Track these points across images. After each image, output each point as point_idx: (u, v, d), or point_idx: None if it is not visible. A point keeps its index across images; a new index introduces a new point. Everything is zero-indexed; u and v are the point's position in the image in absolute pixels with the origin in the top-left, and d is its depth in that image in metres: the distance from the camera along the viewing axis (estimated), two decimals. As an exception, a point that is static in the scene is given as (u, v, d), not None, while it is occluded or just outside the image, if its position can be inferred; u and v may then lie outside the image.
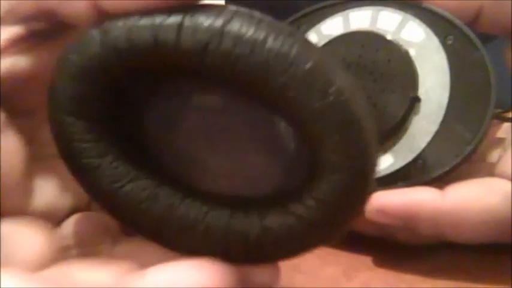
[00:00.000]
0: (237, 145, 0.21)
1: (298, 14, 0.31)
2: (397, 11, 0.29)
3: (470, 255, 0.28)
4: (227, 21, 0.17)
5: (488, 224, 0.25)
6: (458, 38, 0.28)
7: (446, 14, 0.28)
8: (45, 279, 0.17)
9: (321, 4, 0.31)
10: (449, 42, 0.28)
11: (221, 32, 0.17)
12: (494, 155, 0.29)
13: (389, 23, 0.29)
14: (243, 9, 0.18)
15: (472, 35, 0.28)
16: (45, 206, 0.22)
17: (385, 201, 0.26)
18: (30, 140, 0.22)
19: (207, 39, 0.17)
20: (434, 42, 0.28)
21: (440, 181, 0.27)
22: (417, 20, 0.29)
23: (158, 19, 0.18)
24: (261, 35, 0.17)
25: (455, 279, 0.26)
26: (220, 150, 0.21)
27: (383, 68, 0.28)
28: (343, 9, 0.30)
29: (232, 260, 0.20)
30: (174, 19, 0.18)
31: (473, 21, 0.28)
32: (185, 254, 0.20)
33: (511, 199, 0.24)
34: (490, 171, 0.27)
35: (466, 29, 0.28)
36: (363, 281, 0.26)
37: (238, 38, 0.17)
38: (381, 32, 0.29)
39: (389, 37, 0.29)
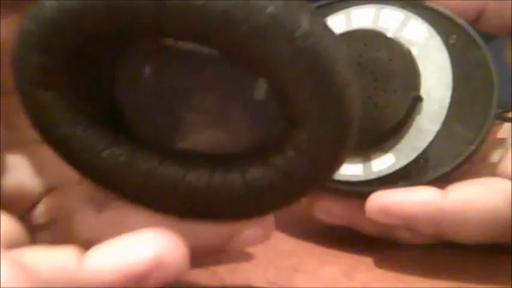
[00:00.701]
0: (214, 100, 0.21)
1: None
2: (400, 9, 0.29)
3: (470, 255, 0.28)
4: None
5: (489, 224, 0.25)
6: (461, 37, 0.28)
7: (449, 13, 0.28)
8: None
9: (323, 2, 0.31)
10: (452, 41, 0.28)
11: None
12: (495, 155, 0.29)
13: (392, 21, 0.29)
14: None
15: (475, 34, 0.27)
16: (16, 187, 0.22)
17: (385, 200, 0.26)
18: (8, 121, 0.21)
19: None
20: (437, 41, 0.28)
21: (442, 181, 0.27)
22: (419, 19, 0.28)
23: None
24: None
25: (455, 279, 0.26)
26: (196, 107, 0.21)
27: (384, 67, 0.28)
28: (345, 7, 0.30)
29: (218, 218, 0.20)
30: None
31: (476, 20, 0.28)
32: (170, 215, 0.20)
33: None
34: (491, 171, 0.27)
35: (469, 28, 0.28)
36: (363, 281, 0.26)
37: None
38: (382, 30, 0.29)
39: (391, 36, 0.29)
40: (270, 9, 0.16)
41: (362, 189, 0.28)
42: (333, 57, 0.17)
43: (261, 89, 0.20)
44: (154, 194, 0.20)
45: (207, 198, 0.20)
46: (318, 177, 0.19)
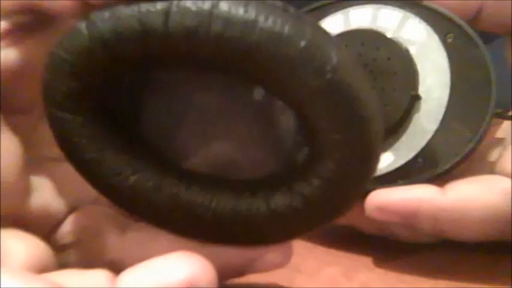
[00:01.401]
0: (239, 128, 0.21)
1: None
2: (398, 9, 0.29)
3: (470, 255, 0.28)
4: (215, 4, 0.17)
5: (489, 222, 0.25)
6: (459, 36, 0.28)
7: (447, 12, 0.28)
8: (43, 281, 0.17)
9: (321, 2, 0.31)
10: (450, 40, 0.28)
11: (210, 16, 0.17)
12: (494, 154, 0.29)
13: (390, 21, 0.29)
14: None
15: (473, 33, 0.27)
16: (41, 207, 0.22)
17: (385, 198, 0.26)
18: (27, 140, 0.22)
19: (196, 24, 0.17)
20: (435, 40, 0.28)
21: (441, 179, 0.27)
22: (417, 18, 0.29)
23: (144, 7, 0.17)
24: (251, 16, 0.17)
25: (456, 279, 0.26)
26: (222, 135, 0.21)
27: (383, 66, 0.28)
28: (344, 7, 0.30)
29: (241, 243, 0.20)
30: (160, 5, 0.17)
31: (474, 19, 0.28)
32: (195, 239, 0.20)
33: (511, 197, 0.24)
34: (490, 169, 0.27)
35: (467, 27, 0.28)
36: (363, 281, 0.26)
37: (227, 21, 0.17)
38: (381, 30, 0.29)
39: (389, 35, 0.29)
40: (302, 43, 0.17)
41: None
42: (360, 90, 0.17)
43: (285, 119, 0.21)
44: (180, 219, 0.21)
45: (232, 224, 0.20)
46: (342, 206, 0.20)
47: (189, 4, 0.17)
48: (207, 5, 0.17)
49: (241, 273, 0.22)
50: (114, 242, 0.22)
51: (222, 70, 0.18)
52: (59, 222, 0.23)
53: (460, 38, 0.28)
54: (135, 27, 0.17)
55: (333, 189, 0.19)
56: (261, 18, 0.17)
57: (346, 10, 0.30)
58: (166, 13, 0.17)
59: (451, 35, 0.28)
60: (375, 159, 0.19)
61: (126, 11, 0.17)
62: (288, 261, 0.22)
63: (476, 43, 0.27)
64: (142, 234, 0.22)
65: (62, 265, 0.20)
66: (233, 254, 0.22)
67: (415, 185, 0.26)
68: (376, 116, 0.18)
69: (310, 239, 0.30)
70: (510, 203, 0.24)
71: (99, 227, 0.23)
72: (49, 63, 0.19)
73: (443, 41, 0.28)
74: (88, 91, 0.19)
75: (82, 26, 0.18)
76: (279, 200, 0.20)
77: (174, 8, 0.17)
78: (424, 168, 0.27)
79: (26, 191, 0.21)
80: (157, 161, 0.21)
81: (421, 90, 0.28)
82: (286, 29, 0.17)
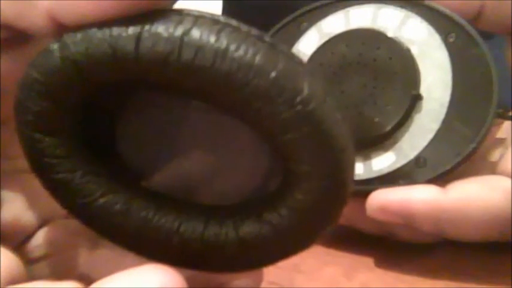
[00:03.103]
0: (212, 153, 0.21)
1: (299, 12, 0.31)
2: (399, 8, 0.29)
3: (470, 255, 0.28)
4: (187, 31, 0.17)
5: (489, 222, 0.25)
6: (460, 35, 0.28)
7: (448, 11, 0.28)
8: None
9: (322, 1, 0.31)
10: (451, 39, 0.28)
11: (181, 43, 0.16)
12: (495, 155, 0.29)
13: (391, 20, 0.29)
14: (206, 14, 0.17)
15: (474, 33, 0.27)
16: (12, 219, 0.22)
17: (385, 198, 0.26)
18: (1, 151, 0.21)
19: (167, 51, 0.16)
20: (436, 39, 0.28)
21: (442, 179, 0.27)
22: (419, 18, 0.29)
23: (116, 30, 0.17)
24: (222, 44, 0.16)
25: (455, 279, 0.26)
26: (195, 157, 0.21)
27: (384, 66, 0.28)
28: (344, 7, 0.30)
29: (211, 269, 0.20)
30: (132, 30, 0.17)
31: (475, 19, 0.28)
32: (163, 263, 0.20)
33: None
34: (491, 170, 0.27)
35: (468, 27, 0.28)
36: (363, 281, 0.26)
37: (198, 48, 0.16)
38: (382, 29, 0.29)
39: (390, 34, 0.29)
40: (273, 73, 0.16)
41: (362, 188, 0.27)
42: (331, 122, 0.17)
43: (256, 148, 0.20)
44: (147, 242, 0.20)
45: (200, 250, 0.20)
46: (312, 236, 0.20)
47: (160, 30, 0.17)
48: (178, 32, 0.17)
49: None
50: (85, 257, 0.22)
51: (194, 97, 0.18)
52: (30, 234, 0.22)
53: (462, 38, 0.28)
54: (107, 51, 0.17)
55: (302, 219, 0.19)
56: (232, 47, 0.16)
57: (346, 9, 0.30)
58: (138, 38, 0.17)
59: (453, 34, 0.28)
60: (346, 191, 0.18)
61: (98, 34, 0.17)
62: (259, 285, 0.22)
63: (478, 43, 0.27)
64: (112, 250, 0.22)
65: (32, 277, 0.20)
66: (202, 279, 0.21)
67: (416, 185, 0.26)
68: (347, 148, 0.18)
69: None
70: (511, 203, 0.24)
71: (70, 241, 0.22)
72: (22, 82, 0.18)
73: (445, 40, 0.28)
74: (60, 112, 0.19)
75: (54, 46, 0.18)
76: (248, 228, 0.19)
77: (145, 34, 0.17)
78: (426, 168, 0.27)
79: None
80: (129, 182, 0.21)
81: (423, 90, 0.28)
82: (257, 59, 0.16)
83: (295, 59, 0.17)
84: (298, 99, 0.17)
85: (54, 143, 0.19)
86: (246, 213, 0.20)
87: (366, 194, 0.27)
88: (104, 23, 0.17)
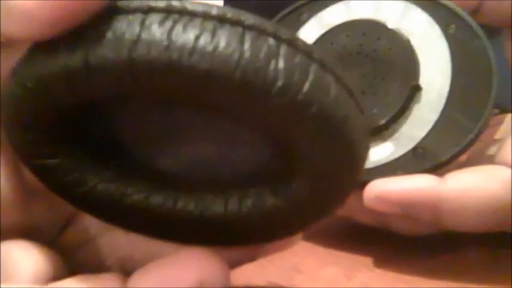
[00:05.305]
0: (215, 144, 0.20)
1: (300, 2, 0.31)
2: (399, -1, 0.29)
3: (470, 254, 0.28)
4: (132, 47, 0.15)
5: (488, 211, 0.24)
6: (460, 26, 0.28)
7: (448, 3, 0.28)
8: None
9: None
10: (451, 31, 0.28)
11: (131, 64, 0.15)
12: (493, 149, 0.29)
13: (391, 11, 0.29)
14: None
15: (474, 24, 0.27)
16: (44, 212, 0.22)
17: (384, 188, 0.26)
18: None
19: (117, 74, 0.15)
20: (436, 30, 0.28)
21: (441, 170, 0.27)
22: (419, 9, 0.29)
23: (63, 59, 0.16)
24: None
25: (455, 279, 0.26)
26: (198, 137, 0.20)
27: (384, 57, 0.28)
28: None
29: (208, 243, 0.20)
30: (79, 56, 0.15)
31: (475, 12, 0.28)
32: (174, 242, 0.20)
33: (511, 186, 0.24)
34: (489, 162, 0.27)
35: (468, 18, 0.28)
36: (363, 281, 0.26)
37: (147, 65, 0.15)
38: (382, 20, 0.29)
39: (390, 26, 0.29)
40: (279, 82, 0.15)
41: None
42: (343, 116, 0.16)
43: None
44: (167, 226, 0.20)
45: (200, 226, 0.20)
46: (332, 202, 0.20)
47: (107, 52, 0.15)
48: (124, 53, 0.15)
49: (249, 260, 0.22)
50: (122, 239, 0.22)
51: (175, 101, 0.17)
52: (64, 225, 0.22)
53: (462, 29, 0.28)
54: (60, 83, 0.16)
55: (317, 187, 0.18)
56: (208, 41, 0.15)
57: (347, 1, 0.30)
58: (87, 65, 0.15)
59: (453, 25, 0.28)
60: (361, 153, 0.18)
61: (48, 68, 0.16)
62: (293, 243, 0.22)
63: (478, 34, 0.27)
64: (129, 237, 0.22)
65: (75, 267, 0.20)
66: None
67: (414, 175, 0.26)
68: (350, 115, 0.17)
69: (310, 239, 0.30)
70: (510, 193, 0.24)
71: (104, 225, 0.22)
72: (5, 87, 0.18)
73: (445, 31, 0.28)
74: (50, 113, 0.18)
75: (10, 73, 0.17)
76: (253, 202, 0.19)
77: (91, 58, 0.15)
78: (424, 158, 0.27)
79: (26, 205, 0.21)
80: (129, 166, 0.20)
81: (422, 81, 0.28)
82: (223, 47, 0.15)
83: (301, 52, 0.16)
84: (273, 90, 0.15)
85: (58, 163, 0.19)
86: (251, 187, 0.19)
87: (363, 185, 0.26)
88: (48, 47, 0.16)
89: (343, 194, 0.19)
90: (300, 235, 0.22)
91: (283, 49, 0.15)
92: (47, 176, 0.20)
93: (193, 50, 0.15)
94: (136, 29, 0.15)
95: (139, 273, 0.17)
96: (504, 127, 0.31)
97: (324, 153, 0.17)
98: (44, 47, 0.16)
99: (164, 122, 0.20)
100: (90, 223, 0.22)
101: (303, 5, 0.31)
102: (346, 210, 0.29)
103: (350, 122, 0.16)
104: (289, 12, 0.32)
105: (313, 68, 0.16)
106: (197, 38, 0.15)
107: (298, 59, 0.15)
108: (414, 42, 0.28)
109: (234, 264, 0.21)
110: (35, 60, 0.16)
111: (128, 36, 0.15)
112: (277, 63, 0.15)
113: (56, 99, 0.17)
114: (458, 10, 0.28)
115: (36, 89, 0.16)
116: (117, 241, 0.22)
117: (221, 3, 0.58)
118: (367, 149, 0.18)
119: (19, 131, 0.18)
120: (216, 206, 0.20)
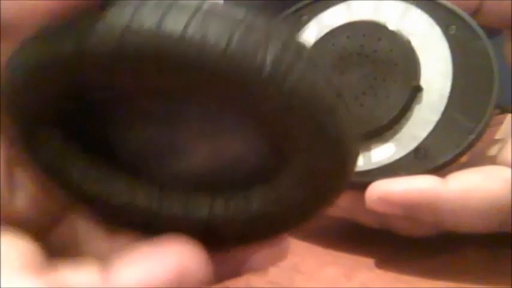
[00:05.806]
0: (209, 141, 0.20)
1: (301, 4, 0.31)
2: (399, 0, 0.29)
3: (470, 254, 0.28)
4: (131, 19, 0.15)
5: (489, 212, 0.25)
6: (461, 27, 0.28)
7: (449, 3, 0.28)
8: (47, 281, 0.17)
9: None
10: (452, 31, 0.28)
11: (120, 51, 0.15)
12: (494, 150, 0.29)
13: (392, 12, 0.29)
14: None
15: (475, 25, 0.28)
16: (30, 206, 0.21)
17: (385, 189, 0.26)
18: (12, 140, 0.21)
19: (108, 61, 0.16)
20: (437, 31, 0.28)
21: (442, 171, 0.27)
22: (419, 10, 0.29)
23: (56, 47, 0.16)
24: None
25: (455, 279, 0.26)
26: (193, 137, 0.20)
27: (385, 58, 0.28)
28: None
29: (220, 244, 0.20)
30: (72, 43, 0.16)
31: (475, 13, 0.29)
32: None
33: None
34: (491, 163, 0.27)
35: (469, 19, 0.28)
36: (363, 281, 0.26)
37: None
38: (383, 21, 0.29)
39: (391, 27, 0.29)
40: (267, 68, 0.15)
41: (361, 180, 0.27)
42: (328, 105, 0.16)
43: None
44: (156, 224, 0.20)
45: (207, 225, 0.20)
46: (318, 206, 0.20)
47: (99, 44, 0.16)
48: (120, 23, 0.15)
49: (234, 275, 0.22)
50: (103, 246, 0.22)
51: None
52: (51, 224, 0.22)
53: (462, 30, 0.28)
54: (55, 74, 0.16)
55: (308, 182, 0.18)
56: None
57: (348, 2, 0.30)
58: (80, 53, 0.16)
59: (453, 27, 0.28)
60: (349, 154, 0.18)
61: (42, 57, 0.16)
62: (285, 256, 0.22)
63: (479, 34, 0.27)
64: (131, 239, 0.22)
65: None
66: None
67: (416, 176, 0.26)
68: (337, 108, 0.17)
69: (310, 239, 0.30)
70: (511, 193, 0.24)
71: (87, 230, 0.22)
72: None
73: (445, 32, 0.28)
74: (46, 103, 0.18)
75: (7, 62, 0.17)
76: (257, 200, 0.19)
77: (83, 45, 0.16)
78: (426, 159, 0.27)
79: (12, 190, 0.20)
80: (126, 166, 0.20)
81: (423, 82, 0.28)
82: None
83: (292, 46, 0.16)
84: (263, 76, 0.15)
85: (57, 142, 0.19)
86: (251, 186, 0.19)
87: (365, 186, 0.26)
88: (43, 35, 0.16)
89: (331, 195, 0.19)
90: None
91: (272, 41, 0.15)
92: (42, 163, 0.20)
93: (181, 38, 0.15)
94: (127, 16, 0.15)
95: (119, 262, 0.17)
96: (504, 127, 0.31)
97: (309, 150, 0.17)
98: (37, 35, 0.16)
99: (153, 124, 0.20)
100: (79, 229, 0.22)
101: (304, 6, 0.31)
102: (348, 211, 0.29)
103: (336, 117, 0.16)
104: (290, 14, 0.32)
105: (301, 62, 0.16)
106: (186, 27, 0.15)
107: (286, 51, 0.15)
108: (415, 43, 0.28)
109: (219, 278, 0.21)
110: (29, 49, 0.17)
111: (118, 23, 0.15)
112: (265, 53, 0.15)
113: (50, 88, 0.17)
114: (459, 11, 0.28)
115: (30, 77, 0.17)
116: (100, 247, 0.22)
117: (221, 3, 0.58)
118: (355, 148, 0.18)
119: (19, 121, 0.18)
120: (202, 208, 0.20)
